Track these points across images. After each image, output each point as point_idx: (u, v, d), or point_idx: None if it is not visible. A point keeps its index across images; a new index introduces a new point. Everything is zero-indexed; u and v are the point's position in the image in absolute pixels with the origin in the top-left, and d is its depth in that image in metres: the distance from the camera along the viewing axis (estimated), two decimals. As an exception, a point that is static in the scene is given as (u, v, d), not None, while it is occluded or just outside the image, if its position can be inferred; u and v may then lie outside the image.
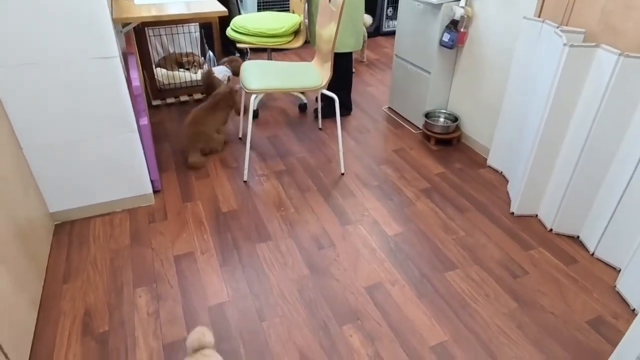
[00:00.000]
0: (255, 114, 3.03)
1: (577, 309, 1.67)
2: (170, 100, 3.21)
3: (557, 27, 1.87)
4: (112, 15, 1.96)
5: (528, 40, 2.08)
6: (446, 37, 2.50)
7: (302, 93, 3.24)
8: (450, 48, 2.51)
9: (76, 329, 1.55)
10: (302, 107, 3.15)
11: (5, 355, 1.26)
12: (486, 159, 2.57)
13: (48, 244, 1.90)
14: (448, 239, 1.99)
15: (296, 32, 2.94)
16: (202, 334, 1.22)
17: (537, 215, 2.14)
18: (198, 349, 1.20)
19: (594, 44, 1.72)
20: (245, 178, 2.37)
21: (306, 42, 2.98)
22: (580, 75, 1.78)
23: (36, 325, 1.56)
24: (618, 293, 1.73)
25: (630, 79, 1.63)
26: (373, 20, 4.35)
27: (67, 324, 1.57)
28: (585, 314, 1.65)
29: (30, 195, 1.80)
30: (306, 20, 2.97)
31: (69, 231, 1.99)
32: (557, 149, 1.95)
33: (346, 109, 3.05)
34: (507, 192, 2.31)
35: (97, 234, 1.98)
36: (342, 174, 2.45)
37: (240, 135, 2.80)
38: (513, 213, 2.15)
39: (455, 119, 2.73)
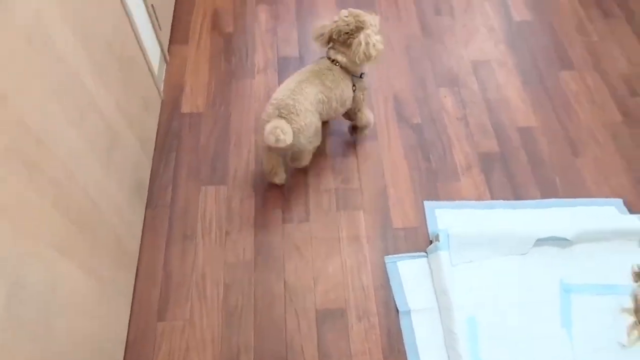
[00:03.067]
0: None
1: (684, 140, 1.59)
2: None
3: None
4: None
5: None
6: None
7: None
8: None
9: (207, 23, 1.74)
10: None
11: (157, 16, 1.47)
12: (667, -36, 2.08)
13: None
14: (577, 40, 1.82)
15: None
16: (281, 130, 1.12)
17: (694, 42, 1.84)
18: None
19: None
20: None
21: None
22: None
23: (174, 8, 1.75)
24: None
25: None
26: None
27: (199, 17, 1.75)
28: (690, 146, 1.58)
29: None
30: None
31: None
32: None
33: None
34: (673, 9, 1.95)
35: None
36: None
37: None
38: (667, 33, 1.86)
39: None
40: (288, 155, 1.35)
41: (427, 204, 1.40)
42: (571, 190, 1.46)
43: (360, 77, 1.32)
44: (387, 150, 1.50)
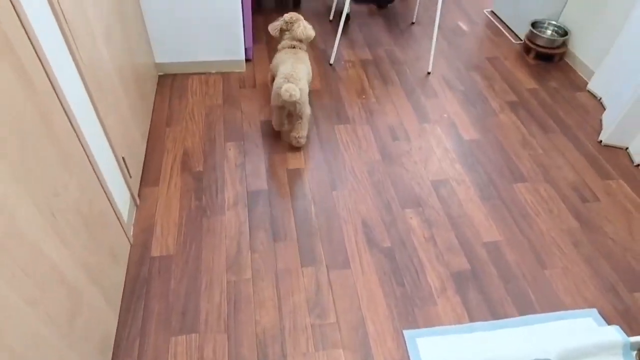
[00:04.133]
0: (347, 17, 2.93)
1: (641, 242, 1.67)
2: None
3: None
4: None
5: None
6: None
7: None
8: (584, -53, 2.20)
9: (177, 164, 1.81)
10: None
11: (127, 166, 1.53)
12: (587, 82, 2.39)
13: (153, 90, 2.12)
14: (524, 154, 1.98)
15: None
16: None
17: (627, 149, 2.04)
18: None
19: None
20: (331, 61, 2.40)
21: None
22: None
23: (145, 154, 1.83)
24: (690, 237, 1.70)
25: None
26: None
27: (169, 159, 1.83)
28: (647, 247, 1.66)
29: (142, 40, 1.97)
30: None
31: (170, 83, 2.20)
32: (676, 80, 1.77)
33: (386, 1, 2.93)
34: (600, 120, 2.18)
35: (194, 89, 2.18)
36: (429, 73, 2.40)
37: (331, 17, 2.76)
38: (601, 142, 2.06)
39: (565, 34, 2.50)
40: (292, 120, 1.87)
41: (407, 334, 1.36)
42: (546, 304, 1.46)
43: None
44: (361, 278, 1.50)
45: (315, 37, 1.99)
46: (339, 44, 2.38)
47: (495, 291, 1.49)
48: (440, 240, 1.62)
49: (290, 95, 1.67)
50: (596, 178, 1.91)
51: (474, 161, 1.93)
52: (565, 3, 2.52)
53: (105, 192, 1.31)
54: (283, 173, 1.82)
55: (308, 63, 1.93)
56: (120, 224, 1.43)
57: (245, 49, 2.27)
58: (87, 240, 1.15)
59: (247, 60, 2.34)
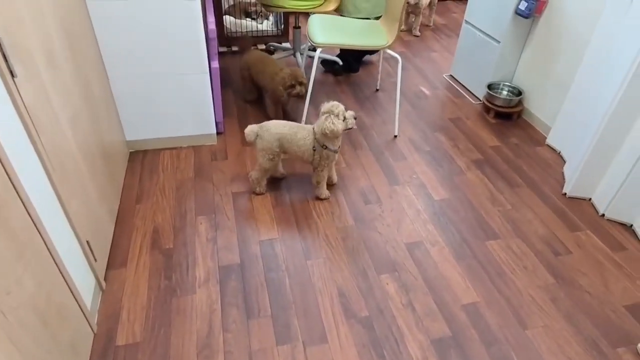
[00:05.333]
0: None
1: (617, 293, 1.67)
2: (235, 48, 3.32)
3: (648, 3, 1.76)
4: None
5: (615, 14, 1.97)
6: (523, 5, 2.40)
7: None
8: (526, 17, 2.42)
9: (146, 242, 1.77)
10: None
11: (92, 250, 1.48)
12: (545, 137, 2.51)
13: (124, 168, 2.12)
14: (493, 211, 2.02)
15: None
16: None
17: (590, 199, 2.10)
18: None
19: (685, 24, 1.62)
20: (301, 129, 2.47)
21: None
22: (664, 56, 1.68)
23: (114, 234, 1.79)
24: (663, 284, 1.71)
25: None
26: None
27: (138, 238, 1.78)
28: (624, 298, 1.66)
29: (112, 121, 2.00)
30: None
31: (141, 159, 2.21)
32: (625, 133, 1.88)
33: (352, 70, 3.09)
34: (562, 173, 2.27)
35: (166, 164, 2.18)
36: (395, 136, 2.49)
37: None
38: (565, 194, 2.13)
39: (519, 93, 2.66)
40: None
41: (391, 412, 1.28)
42: (532, 367, 1.42)
43: (322, 147, 1.87)
44: (339, 353, 1.43)
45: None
46: (307, 111, 2.46)
47: (478, 356, 1.44)
48: (418, 305, 1.59)
49: (247, 134, 1.89)
50: (566, 230, 1.94)
51: (446, 221, 1.95)
52: (517, 66, 2.71)
53: (66, 281, 1.25)
54: (256, 245, 1.79)
55: (295, 137, 1.90)
56: (83, 313, 1.36)
57: (216, 123, 2.32)
58: (44, 338, 1.08)
59: (218, 133, 2.38)
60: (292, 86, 2.31)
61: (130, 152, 2.24)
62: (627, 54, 1.80)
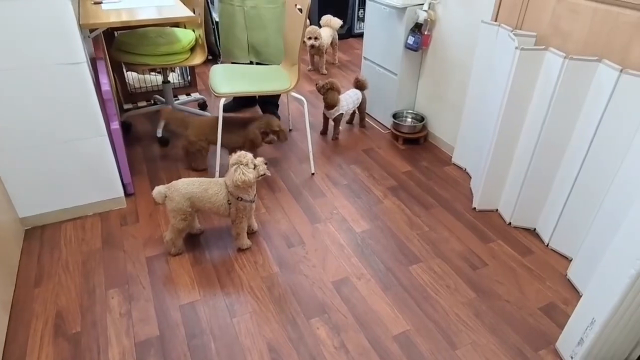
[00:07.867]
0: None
1: (531, 297, 1.78)
2: (141, 103, 3.22)
3: (511, 31, 1.99)
4: (79, 21, 1.98)
5: (486, 43, 2.19)
6: (411, 40, 2.59)
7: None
8: (415, 50, 2.61)
9: (48, 330, 1.58)
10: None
11: (-25, 357, 1.28)
12: (451, 157, 2.68)
13: (18, 249, 1.91)
14: (413, 235, 2.08)
15: (192, 49, 2.72)
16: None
17: (497, 210, 2.26)
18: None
19: (543, 47, 1.84)
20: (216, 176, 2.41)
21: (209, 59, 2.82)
22: (531, 76, 1.89)
23: (8, 328, 1.58)
24: (569, 281, 1.85)
25: (575, 79, 1.75)
26: (344, 22, 4.44)
27: (39, 326, 1.59)
28: (538, 300, 1.76)
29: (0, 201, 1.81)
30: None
31: (39, 236, 2.01)
32: (513, 146, 2.06)
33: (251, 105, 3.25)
34: (470, 189, 2.42)
35: (69, 238, 2.00)
36: (313, 174, 2.52)
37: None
38: (475, 208, 2.26)
39: (422, 119, 2.84)
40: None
41: None
42: (466, 387, 1.43)
43: (237, 199, 1.82)
44: (274, 414, 1.35)
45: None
46: (220, 155, 2.42)
47: (415, 388, 1.43)
48: (351, 345, 1.56)
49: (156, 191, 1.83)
50: (479, 243, 2.05)
51: (369, 252, 1.98)
52: (416, 94, 2.90)
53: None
54: (176, 311, 1.67)
55: (205, 193, 1.83)
56: None
57: (124, 185, 2.20)
58: None
59: (128, 194, 2.25)
60: (266, 133, 2.40)
61: (26, 230, 2.03)
62: (498, 83, 2.00)
